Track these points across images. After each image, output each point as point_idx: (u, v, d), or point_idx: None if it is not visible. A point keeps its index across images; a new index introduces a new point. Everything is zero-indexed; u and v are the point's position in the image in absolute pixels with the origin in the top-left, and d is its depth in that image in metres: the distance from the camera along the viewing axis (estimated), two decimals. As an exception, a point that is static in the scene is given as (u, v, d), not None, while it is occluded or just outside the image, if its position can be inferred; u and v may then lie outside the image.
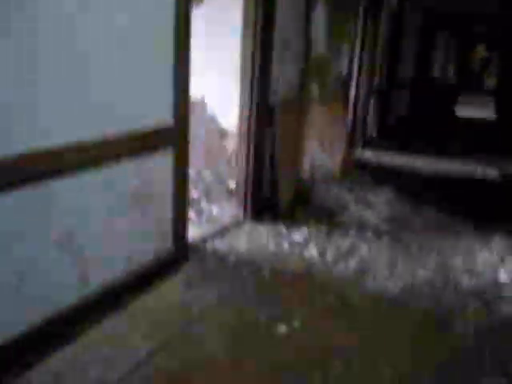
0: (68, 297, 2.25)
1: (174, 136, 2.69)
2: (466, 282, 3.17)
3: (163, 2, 2.47)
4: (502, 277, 3.29)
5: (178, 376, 2.10)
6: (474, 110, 13.88)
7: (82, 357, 2.14)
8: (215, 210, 3.98)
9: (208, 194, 4.18)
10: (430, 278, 3.19)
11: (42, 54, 1.92)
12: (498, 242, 3.90)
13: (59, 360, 2.11)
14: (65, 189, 2.14)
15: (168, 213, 2.81)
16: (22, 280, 2.01)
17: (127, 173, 2.46)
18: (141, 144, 2.48)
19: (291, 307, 2.69)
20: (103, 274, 2.43)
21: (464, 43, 16.89)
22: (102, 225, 2.37)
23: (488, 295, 3.02)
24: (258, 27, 3.55)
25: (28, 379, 1.97)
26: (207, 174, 4.30)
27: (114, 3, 2.19)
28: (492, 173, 6.55)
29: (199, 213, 3.91)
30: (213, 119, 4.25)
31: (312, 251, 3.40)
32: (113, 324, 2.39)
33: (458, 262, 3.46)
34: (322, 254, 3.37)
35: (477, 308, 2.86)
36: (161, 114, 2.61)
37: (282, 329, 2.47)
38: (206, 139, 4.25)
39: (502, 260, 3.57)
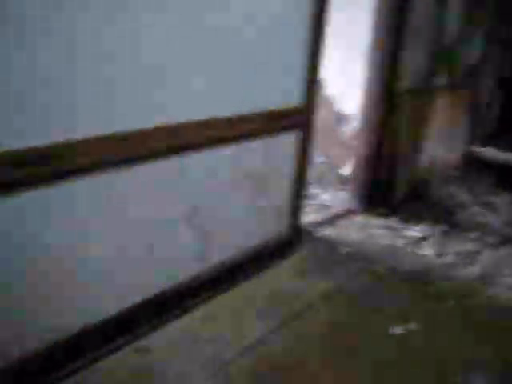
0: (187, 270, 2.30)
1: (300, 119, 2.62)
2: None
3: None
4: None
5: (285, 362, 2.07)
6: None
7: (195, 329, 2.18)
8: (327, 196, 3.89)
9: (320, 180, 4.09)
10: None
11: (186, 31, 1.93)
12: None
13: (175, 329, 2.17)
14: (192, 164, 2.16)
15: (286, 195, 2.77)
16: (151, 248, 2.08)
17: (253, 152, 2.44)
18: (269, 125, 2.45)
19: (407, 308, 2.55)
20: (220, 251, 2.46)
21: None
22: (223, 202, 2.39)
23: None
24: (391, 11, 3.35)
25: (143, 346, 2.05)
26: (320, 159, 4.21)
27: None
28: None
29: (311, 198, 3.84)
30: (331, 102, 4.13)
31: (428, 250, 3.20)
32: (227, 301, 2.41)
33: None
34: (439, 254, 3.17)
35: None
36: (290, 97, 2.55)
37: (397, 330, 2.35)
38: (321, 122, 4.15)
39: None
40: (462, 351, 2.27)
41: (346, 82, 3.96)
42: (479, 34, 5.16)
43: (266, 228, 2.72)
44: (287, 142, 2.62)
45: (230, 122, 2.21)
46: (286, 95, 2.53)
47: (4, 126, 1.46)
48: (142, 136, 1.87)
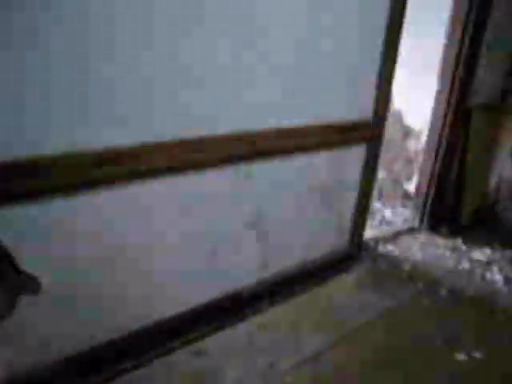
0: (250, 276, 2.31)
1: (370, 133, 2.58)
2: None
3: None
4: None
5: (338, 378, 2.03)
6: None
7: (256, 337, 2.18)
8: (389, 212, 3.80)
9: (382, 195, 4.01)
10: None
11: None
12: None
13: (233, 336, 2.18)
14: (261, 171, 2.17)
15: (350, 209, 2.73)
16: (215, 254, 2.10)
17: (320, 163, 2.43)
18: (338, 137, 2.43)
19: (471, 334, 2.43)
20: (281, 261, 2.46)
21: None
22: (287, 211, 2.38)
23: None
24: (469, 24, 3.24)
25: (202, 349, 2.07)
26: (383, 174, 4.12)
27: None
28: None
29: (372, 213, 3.77)
30: (398, 116, 4.04)
31: (496, 276, 3.05)
32: (284, 312, 2.40)
33: None
34: (508, 281, 3.01)
35: None
36: (361, 110, 2.52)
37: (460, 357, 2.25)
38: (387, 136, 4.06)
39: None
40: (531, 385, 2.14)
41: (416, 95, 3.86)
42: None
43: (327, 241, 2.70)
44: (355, 155, 2.58)
45: (301, 132, 2.21)
46: (356, 108, 2.50)
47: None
48: (217, 142, 1.91)
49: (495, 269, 3.14)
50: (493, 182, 4.30)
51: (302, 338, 2.23)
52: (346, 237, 2.79)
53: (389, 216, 3.73)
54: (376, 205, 3.88)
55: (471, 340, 2.38)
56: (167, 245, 1.92)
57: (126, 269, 1.81)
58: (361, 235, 2.90)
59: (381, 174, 4.14)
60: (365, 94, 2.51)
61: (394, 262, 3.03)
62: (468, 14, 3.24)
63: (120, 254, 1.77)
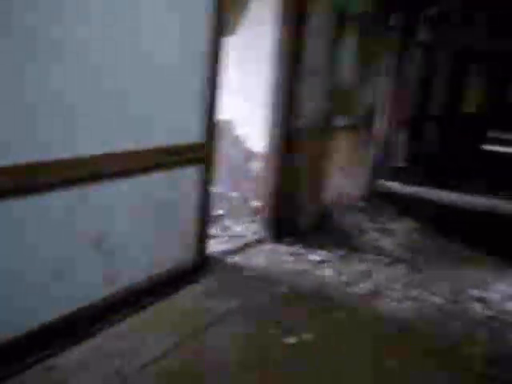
0: (96, 293, 2.45)
1: (202, 154, 2.90)
2: (475, 310, 3.23)
3: (195, 38, 2.73)
4: (514, 308, 3.34)
5: (183, 372, 2.25)
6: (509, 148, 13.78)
7: (105, 347, 2.32)
8: (238, 227, 4.16)
9: (233, 213, 4.37)
10: (440, 304, 3.26)
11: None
12: (514, 276, 3.94)
13: (85, 348, 2.30)
14: (100, 193, 2.36)
15: (192, 224, 3.00)
16: (60, 275, 2.23)
17: (158, 184, 2.68)
18: (172, 159, 2.70)
19: (303, 321, 2.81)
20: (129, 275, 2.63)
21: (498, 78, 16.78)
22: (130, 230, 2.58)
23: (498, 324, 3.08)
24: (289, 54, 3.78)
25: (54, 364, 2.16)
26: (233, 194, 4.50)
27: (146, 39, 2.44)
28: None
29: (224, 229, 4.10)
30: (240, 141, 4.47)
31: (328, 272, 3.53)
32: (136, 322, 2.57)
33: (471, 291, 3.52)
34: (337, 274, 3.50)
35: (483, 336, 2.92)
36: (191, 133, 2.84)
37: (291, 340, 2.60)
38: (232, 160, 4.47)
39: (517, 292, 3.61)
40: (350, 354, 2.55)
41: (254, 122, 4.31)
42: (376, 73, 5.77)
43: (172, 256, 2.93)
44: (190, 174, 2.88)
45: (137, 154, 2.45)
46: (188, 133, 2.81)
47: None
48: (52, 167, 2.07)
49: (328, 266, 3.62)
50: (330, 195, 4.91)
51: (150, 343, 2.41)
52: (192, 251, 3.05)
53: (239, 231, 4.09)
54: (228, 222, 4.23)
55: (302, 325, 2.75)
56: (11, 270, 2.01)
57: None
58: (206, 247, 3.18)
59: (233, 194, 4.53)
60: (194, 121, 2.84)
61: (240, 270, 3.35)
62: (287, 49, 3.77)
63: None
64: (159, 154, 2.61)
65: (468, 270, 3.95)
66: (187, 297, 2.93)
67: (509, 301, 3.43)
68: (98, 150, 2.27)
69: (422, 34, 8.20)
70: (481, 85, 11.76)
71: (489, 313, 3.21)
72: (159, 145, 2.61)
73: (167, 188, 2.75)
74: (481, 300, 3.39)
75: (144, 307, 2.69)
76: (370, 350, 2.63)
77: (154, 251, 2.78)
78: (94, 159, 2.25)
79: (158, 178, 2.68)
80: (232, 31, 4.20)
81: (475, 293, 3.49)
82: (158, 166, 2.64)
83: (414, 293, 3.37)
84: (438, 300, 3.31)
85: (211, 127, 2.94)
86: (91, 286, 2.43)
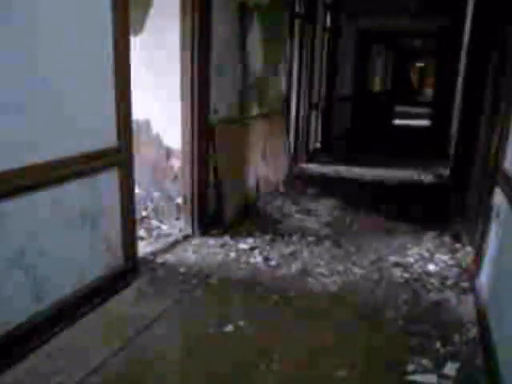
0: (23, 312, 2.38)
1: (118, 156, 2.87)
2: (397, 275, 3.48)
3: (100, 35, 2.68)
4: (430, 268, 3.63)
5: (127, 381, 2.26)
6: (413, 120, 14.71)
7: (41, 367, 2.26)
8: (165, 226, 4.16)
9: (158, 212, 4.35)
10: (365, 274, 3.48)
11: None
12: (428, 240, 4.26)
13: (20, 371, 2.23)
14: (15, 208, 2.28)
15: (117, 229, 2.97)
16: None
17: (76, 192, 2.62)
18: (88, 165, 2.65)
19: (238, 309, 2.90)
20: (56, 289, 2.57)
21: (401, 57, 17.78)
22: (52, 243, 2.52)
23: (417, 285, 3.34)
24: (195, 50, 3.80)
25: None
26: (156, 193, 4.47)
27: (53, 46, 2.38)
28: (427, 177, 7.03)
29: (150, 230, 4.08)
30: (159, 139, 4.43)
31: (257, 258, 3.63)
32: (72, 335, 2.52)
33: (391, 258, 3.78)
34: (266, 259, 3.61)
35: (406, 297, 3.16)
36: (105, 137, 2.79)
37: (226, 329, 2.67)
38: (153, 158, 4.44)
39: (431, 254, 3.92)
40: (286, 334, 2.67)
41: (169, 119, 4.30)
42: (285, 60, 5.94)
43: (99, 263, 2.88)
44: (108, 179, 2.84)
45: (51, 164, 2.38)
46: (102, 137, 2.77)
47: None
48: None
49: (256, 252, 3.73)
50: (253, 182, 5.01)
51: (86, 356, 2.38)
52: (120, 256, 3.02)
53: (166, 230, 4.09)
54: (153, 221, 4.21)
55: (237, 312, 2.83)
56: None
57: None
58: (133, 252, 3.16)
59: (156, 194, 4.50)
60: (108, 124, 2.79)
61: (171, 268, 3.37)
62: (193, 44, 3.78)
63: None
64: (75, 161, 2.55)
65: (386, 238, 4.22)
66: (120, 302, 2.91)
67: (423, 263, 3.72)
68: (6, 165, 2.19)
69: (328, 21, 8.53)
70: (384, 64, 12.40)
71: (407, 275, 3.47)
72: (74, 152, 2.55)
73: (87, 195, 2.70)
74: (399, 264, 3.65)
75: (76, 319, 2.64)
76: (305, 326, 2.76)
77: (80, 261, 2.72)
78: (4, 175, 2.17)
79: (76, 185, 2.62)
80: (141, 29, 4.15)
81: (393, 259, 3.75)
82: (75, 174, 2.57)
83: (340, 267, 3.56)
84: (361, 270, 3.53)
85: (126, 128, 2.91)
86: (17, 304, 2.35)
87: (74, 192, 2.61)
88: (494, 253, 2.83)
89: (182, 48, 3.81)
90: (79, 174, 2.62)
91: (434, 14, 9.23)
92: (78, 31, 2.53)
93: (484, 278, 3.03)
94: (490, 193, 3.09)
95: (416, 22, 9.71)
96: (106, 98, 2.77)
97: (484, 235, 3.15)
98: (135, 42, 4.04)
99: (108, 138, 2.81)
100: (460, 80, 7.04)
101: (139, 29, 4.14)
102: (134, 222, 3.15)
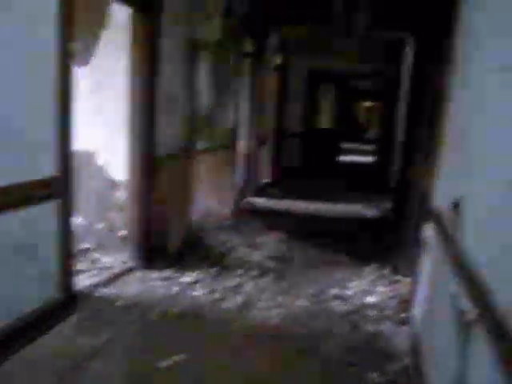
0: None
1: (57, 186, 2.84)
2: (337, 307, 3.56)
3: (43, 68, 2.69)
4: (370, 300, 3.73)
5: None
6: (360, 156, 15.26)
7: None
8: (108, 259, 4.08)
9: (101, 244, 4.27)
10: (307, 306, 3.53)
11: None
12: (370, 272, 4.39)
13: None
14: None
15: (54, 263, 2.90)
16: None
17: (11, 224, 2.56)
18: (24, 194, 2.60)
19: (176, 343, 2.86)
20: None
21: (349, 97, 18.51)
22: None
23: (356, 317, 3.42)
24: (142, 87, 3.85)
25: None
26: (100, 225, 4.41)
27: None
28: (371, 211, 7.28)
29: (92, 263, 3.99)
30: (104, 171, 4.41)
31: (200, 291, 3.62)
32: (4, 370, 2.41)
33: (332, 291, 3.86)
34: (209, 292, 3.60)
35: (345, 329, 3.22)
36: (45, 168, 2.76)
37: (164, 364, 2.64)
38: (97, 190, 4.39)
39: (372, 286, 4.03)
40: (222, 366, 2.66)
41: (115, 150, 4.29)
42: (234, 97, 6.09)
43: (38, 296, 2.80)
44: (47, 210, 2.79)
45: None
46: (41, 168, 2.73)
47: None
48: None
49: (199, 286, 3.72)
50: (198, 216, 5.03)
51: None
52: (56, 290, 2.94)
53: (108, 262, 4.01)
54: (96, 254, 4.12)
55: (174, 348, 2.80)
56: None
57: None
58: (71, 286, 3.09)
59: (99, 225, 4.43)
60: (47, 156, 2.77)
61: (111, 302, 3.30)
62: (140, 78, 3.83)
63: None
64: (11, 190, 2.51)
65: (328, 272, 4.32)
66: (56, 337, 2.81)
67: (363, 295, 3.82)
68: None
69: (278, 59, 8.85)
70: (332, 103, 12.87)
71: (346, 307, 3.55)
72: (11, 181, 2.50)
73: (22, 226, 2.64)
74: (339, 297, 3.73)
75: (9, 356, 2.53)
76: (241, 359, 2.76)
77: (14, 296, 2.63)
78: None
79: (10, 216, 2.56)
80: (88, 58, 4.17)
81: (334, 291, 3.84)
82: (10, 204, 2.52)
83: (282, 299, 3.61)
84: (302, 303, 3.58)
85: (67, 159, 2.89)
86: None
87: (7, 222, 2.55)
88: (425, 285, 2.96)
89: (129, 85, 3.85)
90: (14, 204, 2.57)
91: (376, 60, 9.79)
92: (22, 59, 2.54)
93: (418, 309, 3.15)
94: (422, 227, 3.25)
95: (360, 66, 10.21)
96: (46, 128, 2.75)
97: (417, 268, 3.29)
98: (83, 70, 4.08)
99: (47, 169, 2.78)
100: (401, 119, 7.42)
101: (83, 64, 4.16)
102: (72, 255, 3.09)
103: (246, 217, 6.10)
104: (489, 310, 1.47)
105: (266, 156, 8.57)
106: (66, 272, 3.01)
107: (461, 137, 2.41)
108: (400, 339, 3.13)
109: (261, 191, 7.88)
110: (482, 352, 1.49)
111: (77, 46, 4.11)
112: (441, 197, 2.81)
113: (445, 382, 1.96)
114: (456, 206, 2.24)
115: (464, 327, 1.77)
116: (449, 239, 2.26)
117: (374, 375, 2.69)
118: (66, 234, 2.95)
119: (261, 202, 7.29)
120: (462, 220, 2.10)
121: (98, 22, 4.10)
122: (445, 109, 2.98)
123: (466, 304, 1.76)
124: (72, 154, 2.98)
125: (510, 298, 1.37)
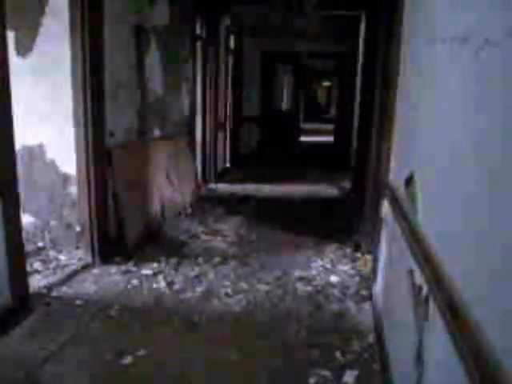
0: None
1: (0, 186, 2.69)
2: (301, 288, 3.55)
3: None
4: (332, 279, 3.75)
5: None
6: (321, 137, 15.34)
7: None
8: (64, 257, 3.94)
9: (55, 242, 4.12)
10: (270, 290, 3.51)
11: None
12: (331, 251, 4.41)
13: None
14: None
15: (2, 264, 2.76)
16: None
17: None
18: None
19: (137, 338, 2.79)
20: None
21: (308, 77, 18.50)
22: None
23: (320, 297, 3.42)
24: (87, 75, 3.68)
25: None
26: (54, 222, 4.24)
27: None
28: (332, 190, 7.32)
29: (46, 262, 3.84)
30: (55, 165, 4.23)
31: (161, 283, 3.54)
32: None
33: (295, 272, 3.85)
34: (170, 284, 3.53)
35: (309, 310, 3.22)
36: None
37: (126, 360, 2.56)
38: (49, 185, 4.22)
39: (334, 265, 4.05)
40: (185, 359, 2.61)
41: (65, 144, 4.12)
42: (187, 85, 5.96)
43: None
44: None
45: None
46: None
47: None
48: None
49: (160, 278, 3.64)
50: (157, 205, 4.92)
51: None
52: (6, 293, 2.81)
53: (64, 260, 3.87)
54: (51, 252, 3.97)
55: (136, 342, 2.73)
56: None
57: None
58: (23, 287, 2.95)
59: (52, 222, 4.26)
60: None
61: (67, 302, 3.18)
62: (84, 67, 3.66)
63: None
64: None
65: (291, 253, 4.31)
66: (8, 343, 2.68)
67: (326, 275, 3.83)
68: None
69: (232, 42, 8.70)
70: (290, 84, 12.83)
71: (310, 288, 3.55)
72: None
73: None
74: (303, 278, 3.73)
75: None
76: (203, 348, 2.72)
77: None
78: None
79: None
80: (31, 45, 3.95)
81: (298, 273, 3.83)
82: None
83: (244, 285, 3.57)
84: (266, 287, 3.56)
85: (10, 155, 2.73)
86: None
87: None
88: (384, 261, 2.98)
89: (73, 73, 3.68)
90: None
91: (331, 40, 9.77)
92: None
93: (379, 286, 3.17)
94: (379, 204, 3.26)
95: (314, 46, 10.17)
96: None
97: (377, 244, 3.31)
98: (25, 66, 3.89)
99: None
100: (357, 98, 7.45)
101: (27, 51, 3.96)
102: (22, 255, 2.94)
103: (206, 203, 6.02)
104: (439, 283, 1.46)
105: (224, 142, 8.47)
106: (17, 274, 2.87)
107: (411, 111, 2.41)
108: (364, 316, 3.15)
109: (221, 177, 7.80)
110: (436, 326, 1.48)
111: (16, 33, 3.95)
112: (395, 173, 2.81)
113: (405, 356, 1.97)
114: (408, 180, 2.23)
115: (420, 302, 1.77)
116: (403, 214, 2.26)
117: (338, 355, 2.69)
118: (13, 234, 2.81)
119: (221, 187, 7.22)
120: (413, 194, 2.10)
121: (36, 7, 3.89)
122: (395, 84, 2.97)
123: (421, 278, 1.76)
124: (13, 151, 2.82)
125: (458, 270, 1.36)
